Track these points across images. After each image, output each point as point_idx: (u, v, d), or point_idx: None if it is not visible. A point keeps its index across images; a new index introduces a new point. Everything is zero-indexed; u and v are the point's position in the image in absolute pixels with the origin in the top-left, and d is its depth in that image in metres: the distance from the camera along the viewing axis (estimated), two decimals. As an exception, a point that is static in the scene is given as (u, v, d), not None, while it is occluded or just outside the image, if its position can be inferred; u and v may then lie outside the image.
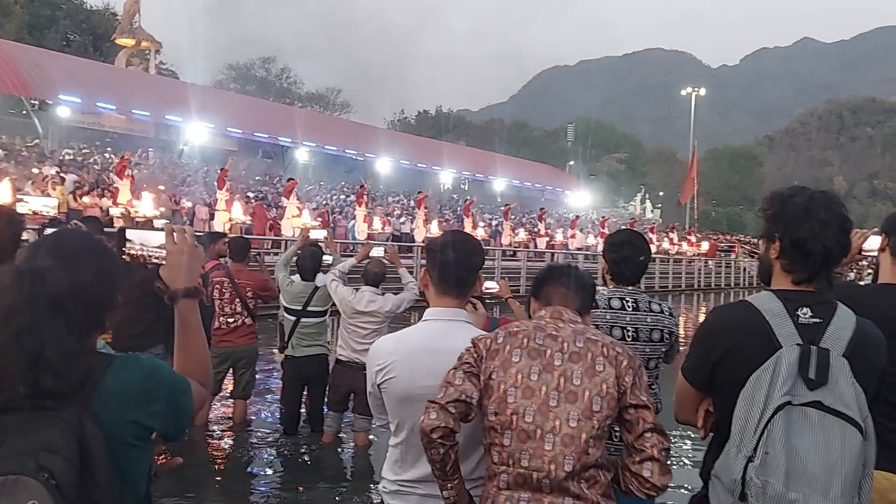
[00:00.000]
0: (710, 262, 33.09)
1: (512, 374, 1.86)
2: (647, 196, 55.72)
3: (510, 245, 23.41)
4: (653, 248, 27.20)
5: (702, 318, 2.06)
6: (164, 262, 1.67)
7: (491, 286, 3.57)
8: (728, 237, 46.53)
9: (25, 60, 24.74)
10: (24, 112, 26.15)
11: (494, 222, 28.15)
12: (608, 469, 1.86)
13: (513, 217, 27.01)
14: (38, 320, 1.24)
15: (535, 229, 27.12)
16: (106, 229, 7.71)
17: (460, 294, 2.15)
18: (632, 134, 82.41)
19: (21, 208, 7.38)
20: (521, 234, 25.76)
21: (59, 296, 1.28)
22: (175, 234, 1.69)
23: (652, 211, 53.08)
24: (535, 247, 25.05)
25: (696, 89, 51.87)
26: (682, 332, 15.07)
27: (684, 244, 34.31)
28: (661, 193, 61.13)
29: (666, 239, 33.41)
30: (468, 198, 28.36)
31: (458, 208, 29.81)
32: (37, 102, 25.70)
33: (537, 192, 44.35)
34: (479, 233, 20.86)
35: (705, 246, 35.79)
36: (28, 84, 23.88)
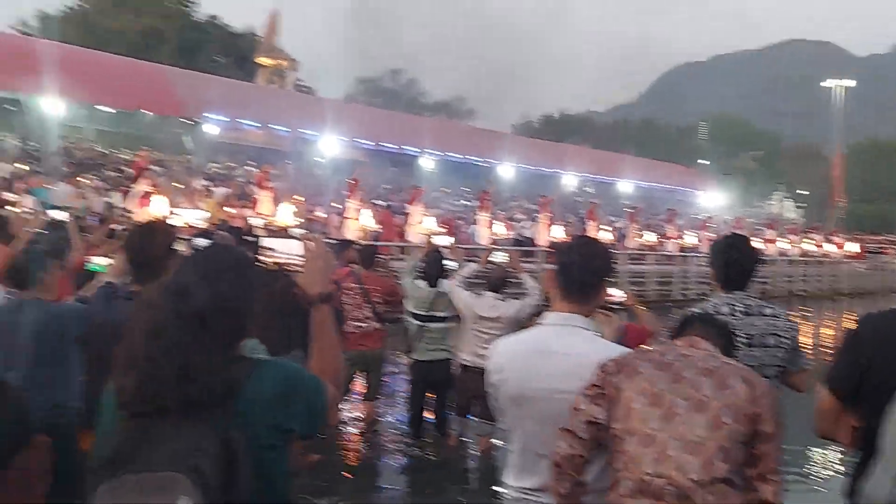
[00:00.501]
0: (859, 265, 30.57)
1: (638, 383, 1.84)
2: (787, 195, 52.33)
3: (637, 248, 22.76)
4: (796, 251, 25.32)
5: (849, 326, 1.95)
6: (301, 270, 1.80)
7: (616, 294, 3.52)
8: (878, 237, 42.79)
9: (178, 83, 26.89)
10: (177, 131, 28.52)
11: (620, 225, 27.46)
12: (739, 488, 1.77)
13: (640, 219, 26.22)
14: (185, 335, 1.37)
15: (664, 231, 26.19)
16: (247, 238, 8.27)
17: (583, 299, 2.12)
18: (770, 130, 77.81)
19: (174, 221, 8.05)
20: (649, 237, 24.94)
21: (203, 312, 1.40)
22: (310, 243, 1.82)
23: (794, 210, 49.78)
24: (664, 250, 24.18)
25: (843, 81, 48.16)
26: (826, 341, 14.09)
27: (829, 245, 31.89)
28: (803, 192, 57.27)
29: (808, 240, 31.20)
30: (592, 200, 27.84)
31: (582, 211, 29.32)
32: (188, 121, 27.89)
33: (666, 193, 42.77)
34: (604, 236, 20.43)
35: (852, 247, 33.06)
36: (181, 105, 25.93)
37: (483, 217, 20.04)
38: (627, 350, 2.01)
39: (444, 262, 5.94)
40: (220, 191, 18.67)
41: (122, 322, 2.16)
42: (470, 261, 6.57)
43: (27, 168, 17.38)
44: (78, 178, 16.42)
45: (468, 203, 28.05)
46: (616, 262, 2.54)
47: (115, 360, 1.45)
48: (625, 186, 39.66)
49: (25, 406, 2.38)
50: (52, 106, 22.71)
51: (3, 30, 37.31)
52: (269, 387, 1.48)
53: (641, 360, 1.87)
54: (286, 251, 1.75)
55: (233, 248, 1.76)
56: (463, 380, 5.48)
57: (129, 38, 40.19)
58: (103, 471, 1.29)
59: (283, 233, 10.28)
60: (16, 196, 12.11)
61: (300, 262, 1.81)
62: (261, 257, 1.79)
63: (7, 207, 9.14)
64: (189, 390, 1.34)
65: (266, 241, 1.74)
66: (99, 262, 4.49)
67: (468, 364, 5.39)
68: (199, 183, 19.28)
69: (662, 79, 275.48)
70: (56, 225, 6.40)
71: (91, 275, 4.03)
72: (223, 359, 1.43)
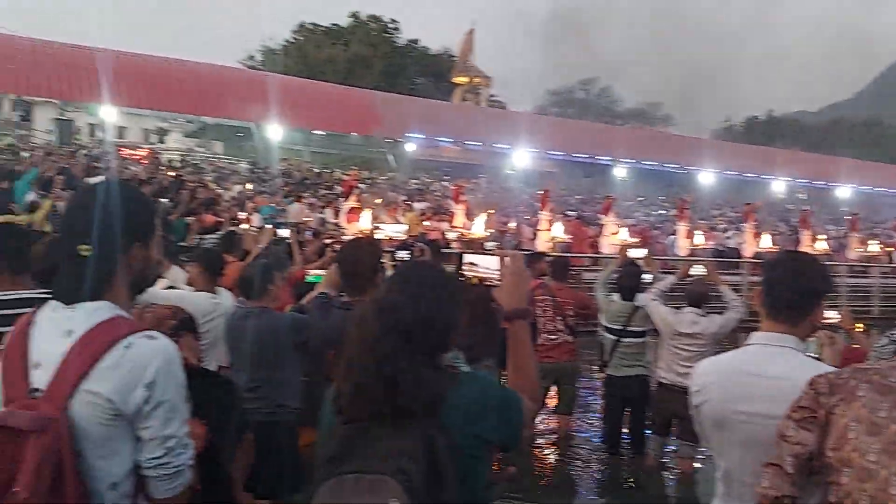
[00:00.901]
0: None
1: (855, 408, 1.66)
2: None
3: (858, 260, 20.42)
4: None
5: None
6: (498, 284, 1.87)
7: (831, 316, 3.22)
8: None
9: (382, 105, 28.73)
10: (381, 150, 30.54)
11: (838, 234, 24.85)
12: None
13: (862, 227, 23.53)
14: (394, 350, 1.48)
15: (892, 240, 23.27)
16: (444, 250, 8.61)
17: (792, 320, 1.97)
18: None
19: (378, 234, 8.59)
20: (874, 247, 22.26)
21: (409, 327, 1.50)
22: (507, 259, 1.88)
23: None
24: (891, 261, 21.45)
25: None
26: None
27: None
28: None
29: None
30: (805, 207, 25.49)
31: (794, 220, 26.92)
32: (391, 140, 29.70)
33: (892, 199, 38.07)
34: (820, 246, 18.57)
35: None
36: (384, 125, 27.66)
37: (682, 227, 19.13)
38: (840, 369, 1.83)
39: (640, 274, 5.78)
40: (418, 205, 19.62)
41: (337, 330, 2.38)
42: (667, 273, 6.32)
43: (254, 188, 19.45)
44: (297, 197, 18.06)
45: (665, 212, 26.93)
46: (833, 278, 2.29)
47: (334, 369, 1.60)
48: (843, 192, 35.86)
49: (242, 407, 2.69)
50: (274, 131, 25.27)
51: (233, 65, 42.17)
52: (470, 398, 1.55)
53: (859, 380, 1.69)
54: (486, 266, 1.82)
55: (435, 265, 1.87)
56: (661, 398, 5.28)
57: (338, 66, 43.62)
58: (324, 470, 1.43)
59: (477, 245, 10.55)
60: (246, 214, 13.60)
61: (497, 277, 1.88)
62: (463, 271, 1.90)
63: (239, 225, 10.30)
64: (398, 399, 1.44)
65: (468, 257, 1.82)
66: (316, 273, 4.91)
67: (666, 381, 5.19)
68: (399, 198, 20.40)
69: (885, 73, 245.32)
70: (280, 240, 7.12)
71: (309, 286, 4.42)
72: (429, 370, 1.52)
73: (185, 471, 1.54)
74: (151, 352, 1.47)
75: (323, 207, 17.37)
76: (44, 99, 27.55)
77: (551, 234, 16.85)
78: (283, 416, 3.51)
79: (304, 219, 14.17)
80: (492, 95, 46.15)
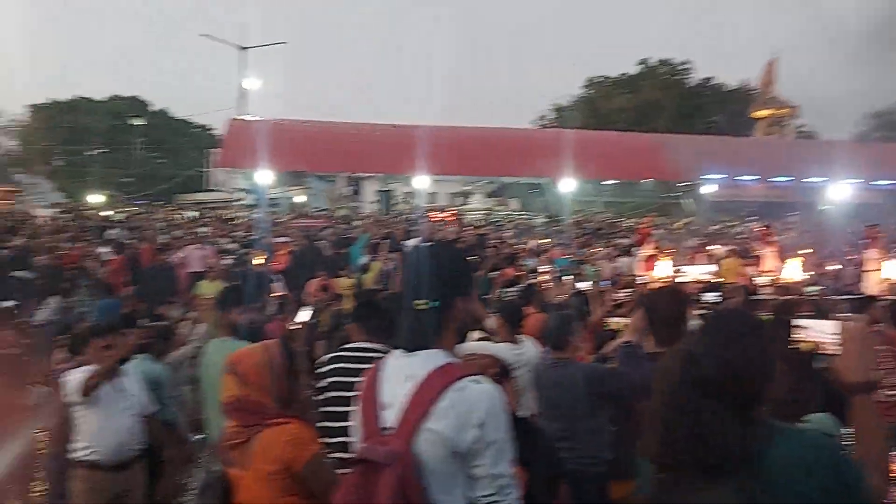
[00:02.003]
0: None
1: None
2: None
3: None
4: None
5: None
6: (838, 354, 1.72)
7: None
8: None
9: (675, 148, 27.91)
10: (676, 194, 29.51)
11: None
12: None
13: None
14: (698, 403, 1.45)
15: None
16: (753, 297, 8.01)
17: None
18: None
19: (680, 279, 8.31)
20: None
21: (715, 379, 1.47)
22: (849, 324, 1.73)
23: None
24: None
25: None
26: None
27: None
28: None
29: None
30: None
31: None
32: (686, 184, 28.61)
33: None
34: None
35: None
36: (678, 169, 26.80)
37: None
38: None
39: None
40: (720, 249, 18.49)
41: (644, 380, 2.39)
42: None
43: (549, 240, 20.08)
44: (591, 247, 18.24)
45: None
46: None
47: (642, 418, 1.63)
48: None
49: (557, 455, 2.77)
50: (566, 185, 25.97)
51: (526, 126, 44.45)
52: (792, 454, 1.46)
53: None
54: (821, 331, 1.69)
55: (746, 313, 1.81)
56: None
57: (628, 114, 43.55)
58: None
59: (795, 290, 9.63)
60: (542, 266, 14.09)
61: (835, 344, 1.73)
62: (792, 336, 1.78)
63: (537, 278, 10.73)
64: (704, 453, 1.42)
65: (799, 321, 1.70)
66: (616, 322, 4.93)
67: None
68: (698, 243, 19.44)
69: None
70: (579, 292, 7.28)
71: (609, 334, 4.46)
72: (738, 424, 1.46)
73: None
74: (480, 395, 1.65)
75: (618, 257, 17.26)
76: (369, 174, 31.81)
77: (883, 274, 14.67)
78: (595, 468, 3.55)
79: (600, 269, 14.22)
80: (800, 126, 42.11)
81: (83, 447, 3.99)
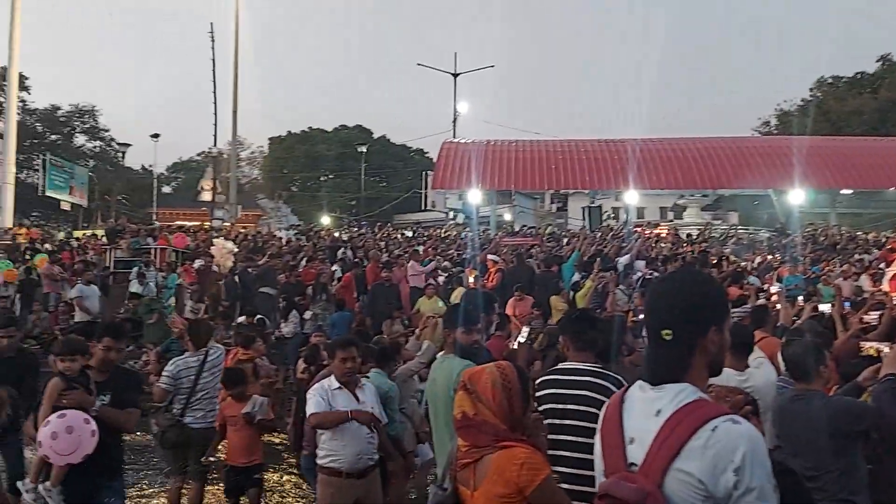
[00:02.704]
0: None
1: None
2: None
3: None
4: None
5: None
6: None
7: None
8: None
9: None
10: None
11: None
12: None
13: None
14: None
15: None
16: None
17: None
18: None
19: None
20: None
21: None
22: None
23: None
24: None
25: None
26: None
27: None
28: None
29: None
30: None
31: None
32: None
33: None
34: None
35: None
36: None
37: None
38: None
39: None
40: None
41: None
42: None
43: (777, 257, 18.47)
44: (825, 264, 16.55)
45: None
46: None
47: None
48: None
49: (811, 499, 2.51)
50: (795, 196, 23.83)
51: (746, 134, 41.52)
52: None
53: None
54: None
55: None
56: None
57: (865, 117, 39.08)
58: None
59: None
60: (769, 286, 12.98)
61: None
62: None
63: (768, 298, 9.94)
64: None
65: None
66: (870, 347, 4.44)
67: None
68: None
69: None
70: (819, 314, 6.63)
71: (859, 363, 4.02)
72: None
73: None
74: (738, 436, 1.54)
75: (858, 274, 15.45)
76: (575, 190, 31.55)
77: None
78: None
79: (836, 288, 12.81)
80: None
81: (325, 455, 4.35)
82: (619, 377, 3.10)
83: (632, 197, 26.28)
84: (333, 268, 14.21)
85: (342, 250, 17.87)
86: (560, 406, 3.19)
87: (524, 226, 32.89)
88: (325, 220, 42.01)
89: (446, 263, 16.02)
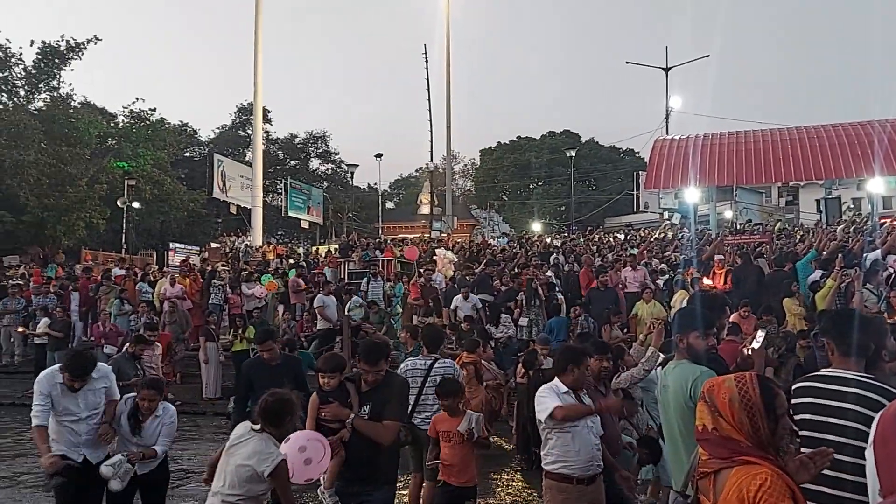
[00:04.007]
0: None
1: None
2: None
3: None
4: None
5: None
6: None
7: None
8: None
9: None
10: None
11: None
12: None
13: None
14: None
15: None
16: None
17: None
18: None
19: None
20: None
21: None
22: None
23: None
24: None
25: None
26: None
27: None
28: None
29: None
30: None
31: None
32: None
33: None
34: None
35: None
36: None
37: None
38: None
39: None
40: None
41: None
42: None
43: None
44: None
45: None
46: None
47: None
48: None
49: None
50: None
51: None
52: None
53: None
54: None
55: None
56: None
57: None
58: None
59: None
60: None
61: None
62: None
63: None
64: None
65: None
66: None
67: None
68: None
69: None
70: None
71: None
72: None
73: None
74: None
75: None
76: (806, 182, 28.73)
77: None
78: None
79: None
80: None
81: (553, 461, 4.36)
82: (890, 388, 2.77)
83: (877, 185, 23.33)
84: (548, 274, 14.26)
85: (554, 255, 17.95)
86: (821, 419, 2.90)
87: (748, 221, 30.62)
88: (536, 226, 42.33)
89: (663, 266, 15.40)
